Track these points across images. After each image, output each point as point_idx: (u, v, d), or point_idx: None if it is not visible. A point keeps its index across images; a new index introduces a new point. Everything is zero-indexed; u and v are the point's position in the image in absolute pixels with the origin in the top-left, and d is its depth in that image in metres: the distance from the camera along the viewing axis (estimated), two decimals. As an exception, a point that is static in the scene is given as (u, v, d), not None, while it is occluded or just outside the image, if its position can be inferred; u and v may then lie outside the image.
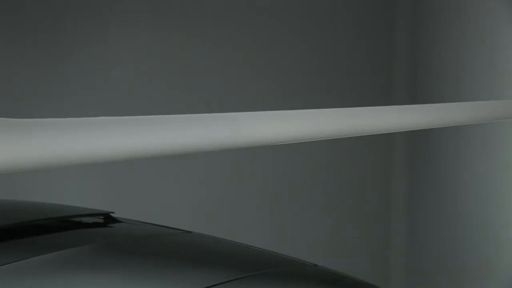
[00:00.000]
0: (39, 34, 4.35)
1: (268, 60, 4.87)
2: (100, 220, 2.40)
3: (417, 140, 5.00)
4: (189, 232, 2.41)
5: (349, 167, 5.13)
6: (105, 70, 4.49)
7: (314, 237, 4.99)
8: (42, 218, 2.31)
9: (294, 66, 4.95)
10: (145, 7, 4.58)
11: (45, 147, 1.10)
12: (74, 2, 4.44)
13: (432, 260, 4.77)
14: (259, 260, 2.14)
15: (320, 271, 1.93)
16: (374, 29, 5.14)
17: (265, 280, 1.81)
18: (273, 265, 2.07)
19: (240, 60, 4.79)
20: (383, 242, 5.06)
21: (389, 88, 5.16)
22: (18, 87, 4.33)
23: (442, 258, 4.66)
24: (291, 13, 4.93)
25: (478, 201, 4.46)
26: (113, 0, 4.50)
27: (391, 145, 5.17)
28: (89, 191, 4.44)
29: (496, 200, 4.34)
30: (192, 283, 1.78)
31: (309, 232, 4.99)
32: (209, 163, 4.70)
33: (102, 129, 1.19)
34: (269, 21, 4.86)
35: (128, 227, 2.39)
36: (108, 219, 2.41)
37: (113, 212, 2.44)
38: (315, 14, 5.00)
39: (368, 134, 1.74)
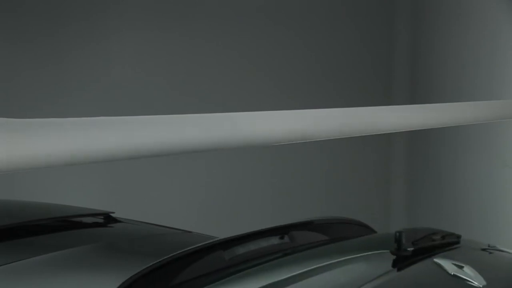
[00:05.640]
0: (39, 34, 4.35)
1: (268, 60, 4.87)
2: (100, 220, 2.40)
3: (417, 140, 5.00)
4: (189, 232, 2.41)
5: (349, 167, 5.13)
6: (105, 70, 4.49)
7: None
8: (42, 218, 2.31)
9: (294, 66, 4.95)
10: (145, 8, 4.58)
11: (45, 147, 1.10)
12: (74, 2, 4.44)
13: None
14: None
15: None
16: (374, 29, 5.14)
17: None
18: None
19: (240, 60, 4.79)
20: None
21: (389, 88, 5.16)
22: (18, 87, 4.33)
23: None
24: (291, 14, 4.93)
25: (477, 201, 4.46)
26: (113, 0, 4.50)
27: (391, 145, 5.17)
28: (89, 191, 4.44)
29: (496, 200, 4.34)
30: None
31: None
32: (209, 163, 4.70)
33: (102, 129, 1.19)
34: (269, 21, 4.86)
35: (128, 227, 2.38)
36: (108, 219, 2.41)
37: (113, 212, 2.44)
38: (315, 15, 5.00)
39: (368, 134, 1.74)
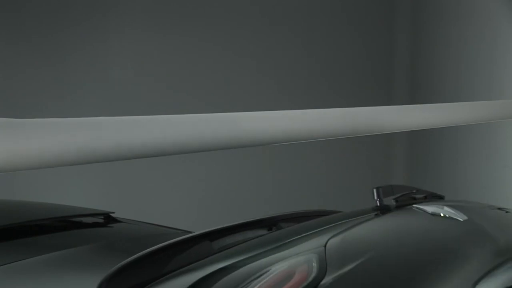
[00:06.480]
0: (39, 34, 4.35)
1: (269, 60, 4.87)
2: (100, 220, 2.39)
3: (417, 140, 4.99)
4: (189, 232, 2.41)
5: (349, 167, 5.13)
6: (105, 70, 4.49)
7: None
8: (42, 218, 2.30)
9: (294, 67, 4.95)
10: (145, 8, 4.58)
11: (45, 147, 1.10)
12: (74, 2, 4.44)
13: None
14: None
15: None
16: (375, 29, 5.14)
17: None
18: None
19: (240, 61, 4.79)
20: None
21: (389, 88, 5.16)
22: (18, 87, 4.33)
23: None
24: (292, 15, 4.93)
25: (477, 201, 4.46)
26: (113, 0, 4.50)
27: (391, 145, 5.17)
28: (89, 191, 4.44)
29: (496, 200, 4.34)
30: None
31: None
32: (208, 163, 4.70)
33: (102, 129, 1.19)
34: (270, 22, 4.86)
35: (128, 227, 2.38)
36: (108, 219, 2.41)
37: (113, 212, 2.44)
38: (316, 16, 5.00)
39: (368, 134, 1.74)
